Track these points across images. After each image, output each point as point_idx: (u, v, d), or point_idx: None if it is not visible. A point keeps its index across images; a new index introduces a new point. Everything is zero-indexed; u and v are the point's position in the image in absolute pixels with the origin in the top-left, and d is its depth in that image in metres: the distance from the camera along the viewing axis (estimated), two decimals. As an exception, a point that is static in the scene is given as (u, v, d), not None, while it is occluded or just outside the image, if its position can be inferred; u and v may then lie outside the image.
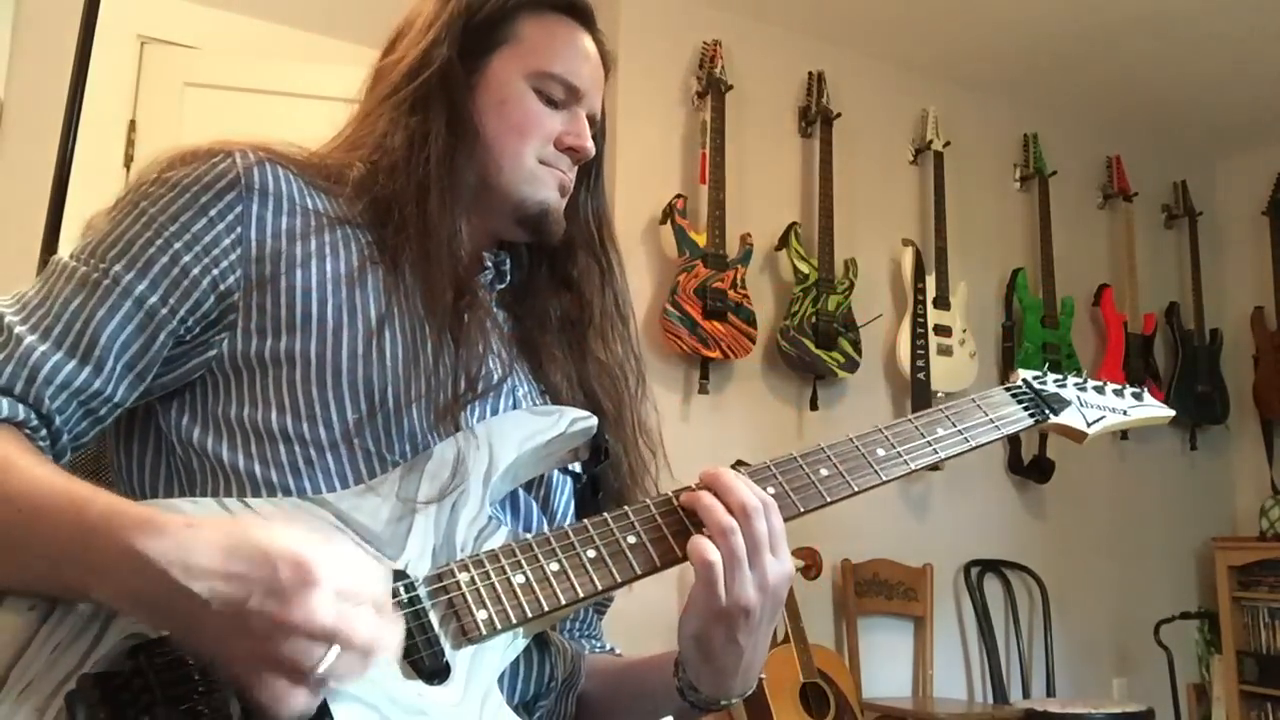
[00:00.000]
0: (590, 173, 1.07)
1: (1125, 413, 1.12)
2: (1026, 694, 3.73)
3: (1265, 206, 4.47)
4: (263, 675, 0.63)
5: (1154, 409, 1.15)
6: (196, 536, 0.65)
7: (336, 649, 0.63)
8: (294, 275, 0.86)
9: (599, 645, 1.05)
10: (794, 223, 3.52)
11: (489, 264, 1.01)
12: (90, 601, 0.70)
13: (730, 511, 0.83)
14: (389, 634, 0.67)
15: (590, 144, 1.01)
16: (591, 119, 1.03)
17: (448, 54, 0.97)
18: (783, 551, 0.85)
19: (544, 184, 0.98)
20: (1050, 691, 3.73)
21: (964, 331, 3.77)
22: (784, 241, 3.49)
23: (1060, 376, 1.11)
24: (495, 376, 0.92)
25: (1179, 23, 3.64)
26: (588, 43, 1.03)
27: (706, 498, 0.85)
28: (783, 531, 0.85)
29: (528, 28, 1.00)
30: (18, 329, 0.80)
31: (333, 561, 0.65)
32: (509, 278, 1.03)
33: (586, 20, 1.04)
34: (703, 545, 0.82)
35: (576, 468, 0.98)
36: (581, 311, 1.04)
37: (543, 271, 1.05)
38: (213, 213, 0.85)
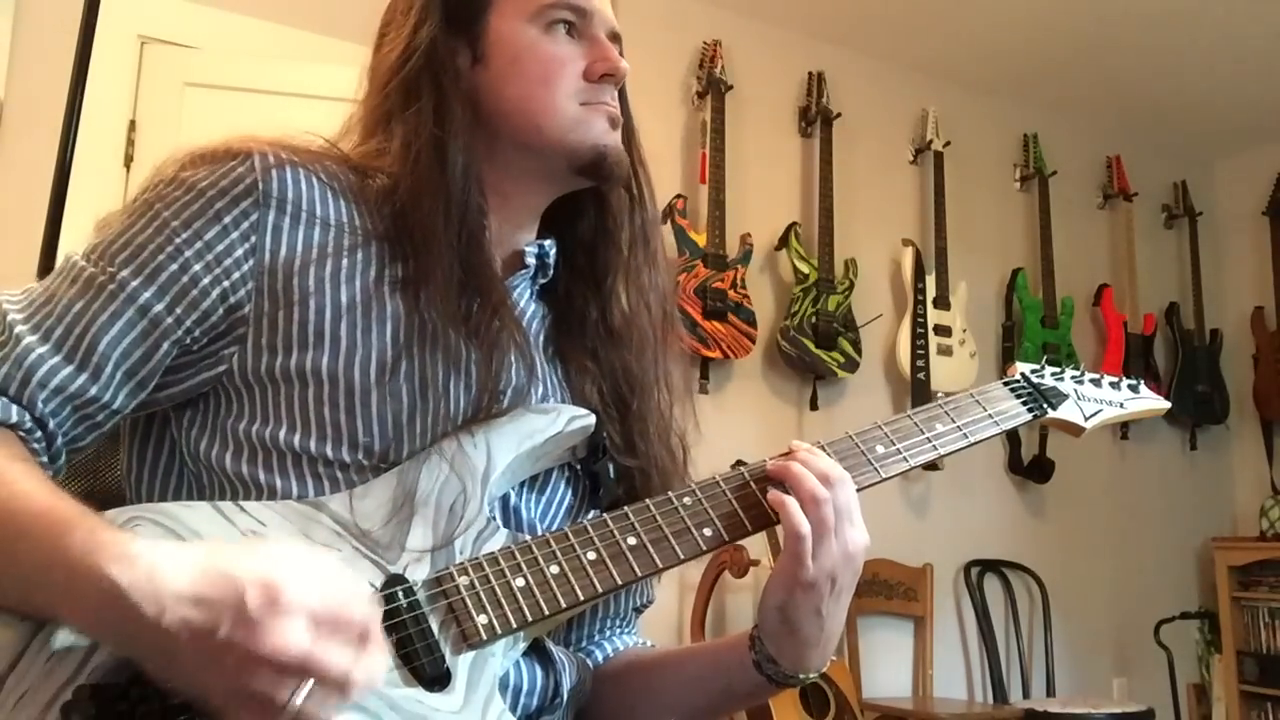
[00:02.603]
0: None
1: (1122, 405, 1.12)
2: (1026, 694, 3.73)
3: (1265, 206, 4.47)
4: (238, 710, 0.61)
5: (1150, 401, 1.15)
6: (166, 565, 0.62)
7: (310, 683, 0.60)
8: (308, 293, 0.83)
9: (639, 642, 1.03)
10: (794, 223, 3.51)
11: (530, 260, 0.96)
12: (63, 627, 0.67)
13: (819, 480, 0.85)
14: (369, 665, 0.63)
15: (623, 64, 0.94)
16: (614, 36, 0.96)
17: (430, 36, 0.92)
18: (860, 521, 0.86)
19: (590, 125, 0.93)
20: (1050, 691, 3.73)
21: (964, 331, 3.77)
22: (784, 241, 3.49)
23: (1058, 369, 1.11)
24: (512, 388, 0.88)
25: (1179, 23, 3.64)
26: None
27: (797, 467, 0.86)
28: (858, 502, 0.87)
29: None
30: (18, 328, 0.79)
31: (308, 583, 0.62)
32: (552, 270, 0.98)
33: None
34: (796, 517, 0.83)
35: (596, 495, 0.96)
36: (612, 265, 0.99)
37: (583, 247, 1.00)
38: (227, 220, 0.82)
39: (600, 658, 0.99)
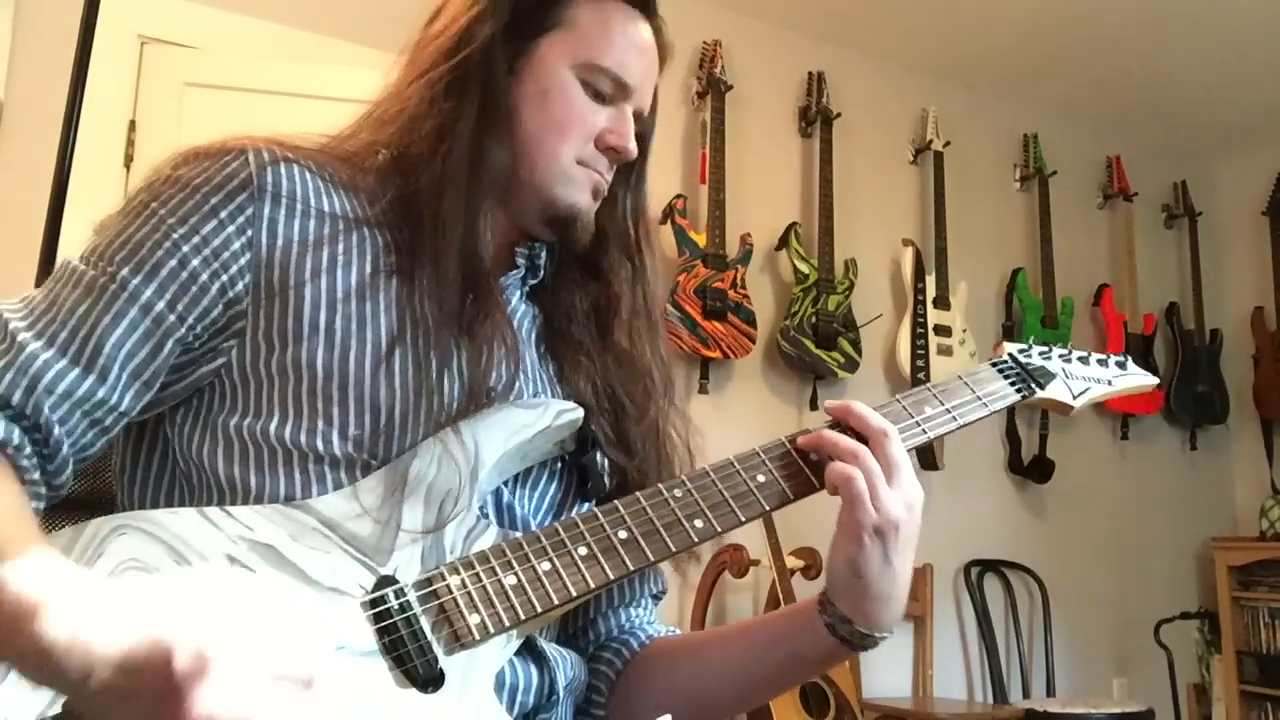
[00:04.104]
0: (632, 168, 1.01)
1: (1110, 382, 1.12)
2: (1026, 694, 3.72)
3: (1265, 206, 4.47)
4: None
5: (1138, 377, 1.15)
6: (94, 624, 0.58)
7: None
8: (304, 285, 0.83)
9: (662, 630, 1.03)
10: (794, 223, 3.52)
11: (520, 261, 0.97)
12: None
13: (860, 437, 0.88)
14: (315, 713, 0.59)
15: (633, 146, 0.96)
16: (639, 115, 0.98)
17: (490, 32, 0.91)
18: (913, 476, 0.88)
19: (577, 186, 0.94)
20: (1050, 691, 3.73)
21: (964, 331, 3.77)
22: (784, 241, 3.49)
23: (1045, 349, 1.10)
24: (503, 384, 0.89)
25: (1179, 23, 3.64)
26: (645, 33, 0.98)
27: (829, 433, 0.89)
28: (909, 459, 0.89)
29: (582, 12, 0.94)
30: (21, 335, 0.78)
31: (248, 635, 0.59)
32: (542, 272, 0.99)
33: (647, 6, 0.99)
34: (839, 466, 0.85)
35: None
36: (608, 303, 1.00)
37: (573, 260, 1.01)
38: (223, 214, 0.82)
39: (635, 645, 0.99)
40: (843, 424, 0.90)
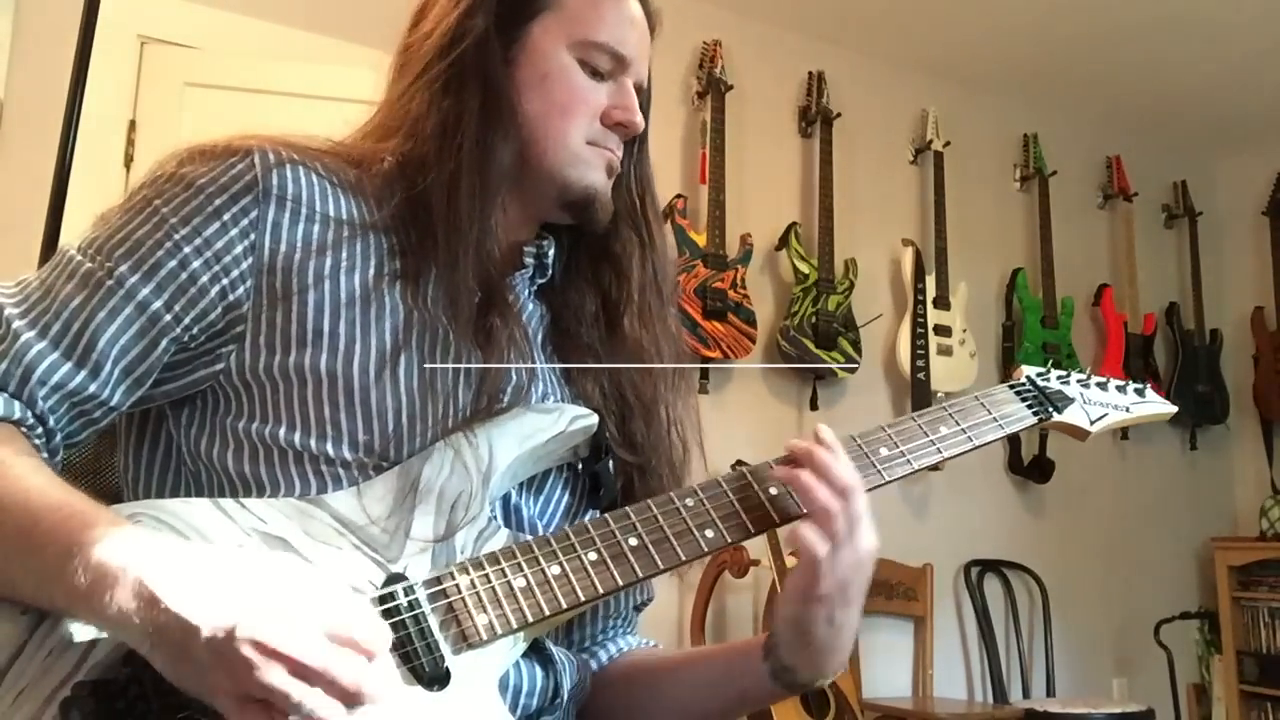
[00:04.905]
0: (634, 142, 1.00)
1: (1128, 409, 1.11)
2: (1026, 694, 3.73)
3: (1265, 206, 4.47)
4: (242, 710, 0.61)
5: (1156, 405, 1.14)
6: (191, 562, 0.64)
7: (318, 691, 0.61)
8: (307, 290, 0.83)
9: (640, 642, 1.03)
10: (794, 223, 3.51)
11: (529, 259, 0.96)
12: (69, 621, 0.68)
13: (833, 491, 0.83)
14: (376, 682, 0.64)
15: (640, 119, 0.95)
16: (639, 87, 0.97)
17: (483, 25, 0.91)
18: (870, 526, 0.85)
19: (591, 166, 0.93)
20: (1050, 691, 3.73)
21: (964, 331, 3.77)
22: (784, 241, 3.49)
23: (1064, 373, 1.10)
24: (512, 387, 0.88)
25: (1179, 23, 3.64)
26: (633, 5, 0.97)
27: (807, 477, 0.83)
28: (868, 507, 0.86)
29: None
30: (16, 323, 0.78)
31: (324, 600, 0.64)
32: (550, 270, 0.98)
33: None
34: (812, 536, 0.82)
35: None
36: (620, 291, 0.99)
37: (583, 252, 1.00)
38: (226, 217, 0.82)
39: (604, 659, 0.99)
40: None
